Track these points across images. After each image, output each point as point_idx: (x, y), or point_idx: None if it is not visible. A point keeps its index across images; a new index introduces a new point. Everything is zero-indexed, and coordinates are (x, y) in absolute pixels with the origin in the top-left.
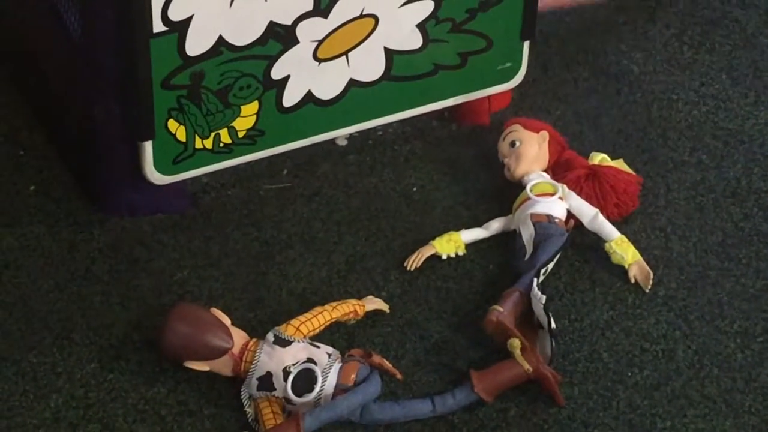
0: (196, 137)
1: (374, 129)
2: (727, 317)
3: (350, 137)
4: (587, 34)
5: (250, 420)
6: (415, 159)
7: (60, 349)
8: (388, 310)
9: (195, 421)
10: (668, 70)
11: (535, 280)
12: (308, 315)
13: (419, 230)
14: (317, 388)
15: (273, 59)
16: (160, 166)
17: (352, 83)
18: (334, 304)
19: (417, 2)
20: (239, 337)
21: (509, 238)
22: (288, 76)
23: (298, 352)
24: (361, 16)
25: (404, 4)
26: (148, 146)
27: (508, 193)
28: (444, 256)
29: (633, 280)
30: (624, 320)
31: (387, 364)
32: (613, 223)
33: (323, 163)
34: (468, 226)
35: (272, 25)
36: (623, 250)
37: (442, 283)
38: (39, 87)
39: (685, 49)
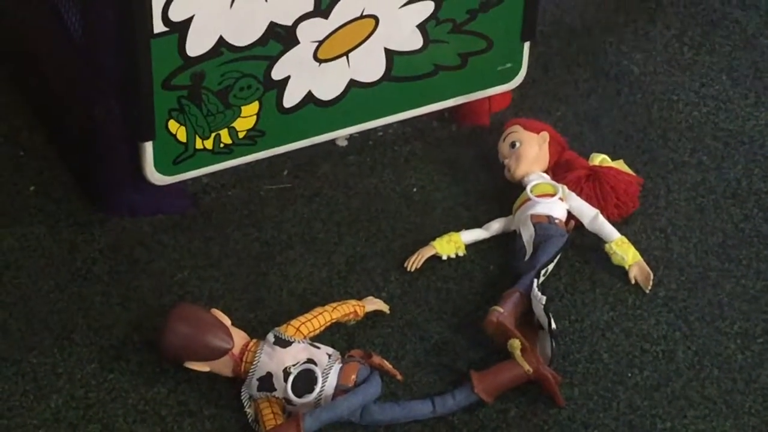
0: (197, 138)
1: (374, 129)
2: (728, 318)
3: (350, 138)
4: (587, 35)
5: (250, 420)
6: (415, 160)
7: (60, 349)
8: (388, 311)
9: (195, 421)
10: (668, 71)
11: (536, 280)
12: (308, 316)
13: (419, 231)
14: (317, 389)
15: (273, 60)
16: (160, 167)
17: (353, 84)
18: (334, 304)
19: (417, 3)
20: (239, 337)
21: (509, 238)
22: (288, 77)
23: (298, 352)
24: (362, 16)
25: (405, 4)
26: (148, 147)
27: (508, 193)
28: (444, 257)
29: (633, 281)
30: (624, 321)
31: (387, 364)
32: (614, 224)
33: (323, 164)
34: (468, 227)
35: (273, 26)
36: (623, 251)
37: (443, 284)
38: (39, 87)
39: (686, 50)
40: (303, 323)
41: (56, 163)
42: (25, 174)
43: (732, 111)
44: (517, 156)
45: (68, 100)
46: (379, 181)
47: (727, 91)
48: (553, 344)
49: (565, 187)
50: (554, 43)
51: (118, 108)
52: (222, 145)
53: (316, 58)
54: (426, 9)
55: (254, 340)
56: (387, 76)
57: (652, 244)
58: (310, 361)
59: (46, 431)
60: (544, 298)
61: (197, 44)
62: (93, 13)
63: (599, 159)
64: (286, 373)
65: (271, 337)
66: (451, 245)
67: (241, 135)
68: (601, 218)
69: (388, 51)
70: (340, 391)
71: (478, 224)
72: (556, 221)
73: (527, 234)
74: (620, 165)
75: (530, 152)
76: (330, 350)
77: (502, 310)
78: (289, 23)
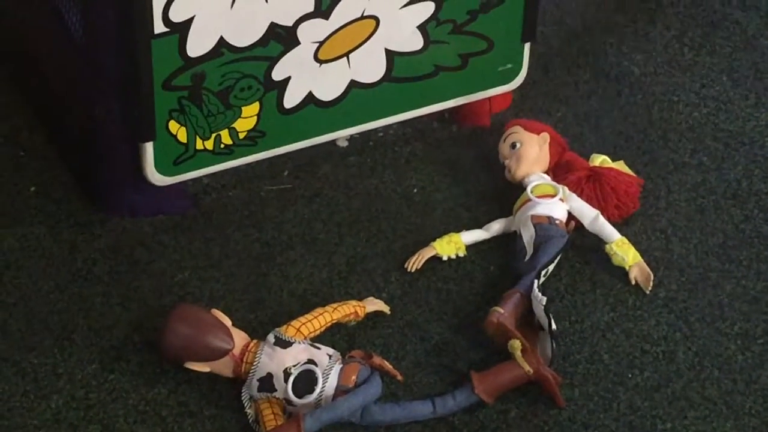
0: (197, 138)
1: (375, 130)
2: (728, 319)
3: (351, 138)
4: (588, 36)
5: (250, 421)
6: (415, 160)
7: (61, 349)
8: (388, 312)
9: (196, 422)
10: (669, 71)
11: (536, 281)
12: (309, 316)
13: (420, 232)
14: (318, 390)
15: (274, 60)
16: (161, 167)
17: (353, 84)
18: (334, 305)
19: (418, 4)
20: (240, 338)
21: (510, 239)
22: (289, 78)
23: (298, 353)
24: (362, 17)
25: (405, 5)
26: (149, 147)
27: (508, 194)
28: (444, 258)
29: (633, 282)
30: (624, 322)
31: (387, 365)
32: (614, 225)
33: (324, 165)
34: (468, 228)
35: (273, 27)
36: (624, 252)
37: (443, 285)
38: (40, 87)
39: (686, 51)
40: (303, 324)
41: (57, 163)
42: (26, 174)
43: (732, 112)
44: (518, 157)
45: (69, 101)
46: (380, 182)
47: (728, 92)
48: (554, 345)
49: (566, 187)
50: (555, 44)
51: (119, 108)
52: (222, 146)
53: (316, 58)
54: (426, 10)
55: (255, 341)
56: (387, 76)
57: (652, 245)
58: (310, 361)
59: None
60: (545, 298)
61: (198, 45)
62: (94, 14)
63: (600, 160)
64: (287, 373)
65: (271, 337)
66: (451, 246)
67: (241, 135)
68: (602, 219)
69: (388, 52)
70: (341, 391)
71: (479, 225)
72: (557, 222)
73: (528, 235)
74: (620, 166)
75: (531, 153)
76: (330, 351)
77: (502, 310)
78: (290, 24)
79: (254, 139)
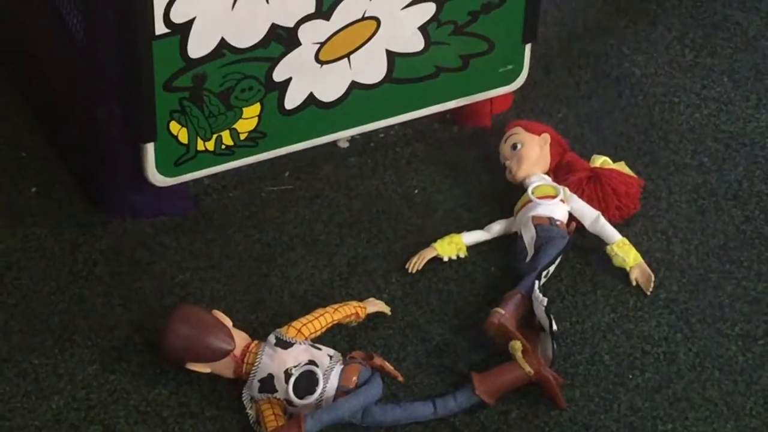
0: (198, 139)
1: (376, 131)
2: (729, 320)
3: (352, 139)
4: (589, 37)
5: (251, 422)
6: (416, 161)
7: (61, 350)
8: (389, 313)
9: (196, 422)
10: (670, 72)
11: (537, 282)
12: (310, 317)
13: (421, 232)
14: (319, 390)
15: (275, 61)
16: (161, 168)
17: (354, 85)
18: (335, 306)
19: (419, 5)
20: (241, 339)
21: (511, 240)
22: (290, 79)
23: (299, 354)
24: (363, 18)
25: (406, 6)
26: (150, 148)
27: (509, 195)
28: (445, 259)
29: (634, 283)
30: (625, 323)
31: (388, 366)
32: (615, 226)
33: (325, 166)
34: (469, 229)
35: (274, 28)
36: (625, 253)
37: (444, 286)
38: (41, 88)
39: (687, 52)
40: (304, 325)
41: (57, 164)
42: (27, 175)
43: (733, 113)
44: (519, 158)
45: (69, 102)
46: (381, 183)
47: (729, 93)
48: (554, 346)
49: (567, 188)
50: (555, 45)
51: (120, 109)
52: (223, 147)
53: (317, 59)
54: (427, 11)
55: (255, 342)
56: (388, 77)
57: (653, 246)
58: (311, 362)
59: None
60: (546, 299)
61: (199, 46)
62: (94, 15)
63: (600, 161)
64: (288, 374)
65: (272, 338)
66: (452, 247)
67: (242, 136)
68: (603, 220)
69: (389, 53)
70: (342, 392)
71: (480, 226)
72: (558, 223)
73: (528, 236)
74: (621, 167)
75: (531, 154)
76: (331, 351)
77: (503, 311)
78: (291, 25)
79: (255, 140)
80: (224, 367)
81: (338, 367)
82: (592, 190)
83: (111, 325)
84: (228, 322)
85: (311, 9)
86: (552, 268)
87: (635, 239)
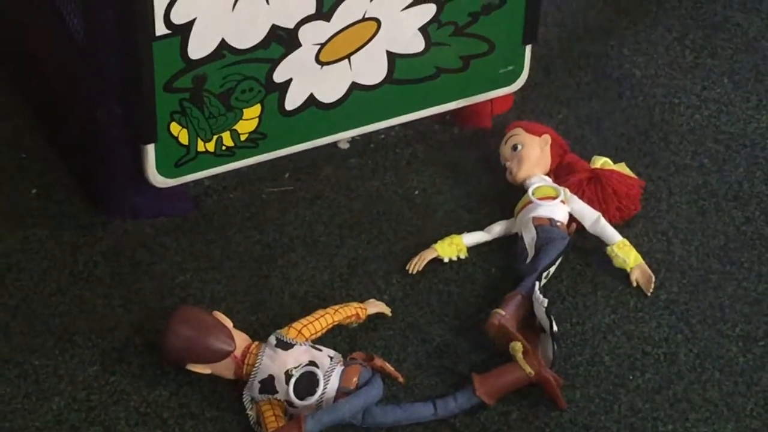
0: (199, 140)
1: (376, 132)
2: (729, 321)
3: (352, 140)
4: (589, 38)
5: (252, 423)
6: (417, 162)
7: (62, 351)
8: (389, 314)
9: (197, 423)
10: (670, 73)
11: (537, 283)
12: (310, 318)
13: (421, 233)
14: (319, 391)
15: (275, 62)
16: (162, 169)
17: (354, 86)
18: (336, 307)
19: (419, 6)
20: (241, 340)
21: (511, 241)
22: (290, 80)
23: (300, 355)
24: (364, 19)
25: (406, 7)
26: (150, 149)
27: (510, 196)
28: (446, 260)
29: (635, 284)
30: (626, 324)
31: (389, 367)
32: (615, 227)
33: (325, 167)
34: (470, 230)
35: (274, 29)
36: (625, 254)
37: (444, 287)
38: (41, 89)
39: (687, 53)
40: (305, 326)
41: (58, 165)
42: (27, 176)
43: (733, 114)
44: (519, 159)
45: (70, 102)
46: (381, 184)
47: (729, 94)
48: (555, 347)
49: (567, 189)
50: (556, 46)
51: (120, 110)
52: (224, 148)
53: (318, 60)
54: (428, 12)
55: (256, 343)
56: (389, 78)
57: (653, 247)
58: (311, 363)
59: None
60: (546, 300)
61: (199, 47)
62: (95, 15)
63: (601, 162)
64: (288, 375)
65: (272, 339)
66: (452, 248)
67: (242, 137)
68: (603, 221)
69: (389, 54)
70: (342, 393)
71: (480, 227)
72: (558, 224)
73: (529, 237)
74: (622, 168)
75: (532, 155)
76: (332, 353)
77: (503, 312)
78: (291, 26)
79: (255, 141)
80: (225, 368)
81: (339, 368)
82: (593, 191)
83: (111, 326)
84: (228, 323)
85: (312, 10)
86: (552, 269)
87: (636, 240)
